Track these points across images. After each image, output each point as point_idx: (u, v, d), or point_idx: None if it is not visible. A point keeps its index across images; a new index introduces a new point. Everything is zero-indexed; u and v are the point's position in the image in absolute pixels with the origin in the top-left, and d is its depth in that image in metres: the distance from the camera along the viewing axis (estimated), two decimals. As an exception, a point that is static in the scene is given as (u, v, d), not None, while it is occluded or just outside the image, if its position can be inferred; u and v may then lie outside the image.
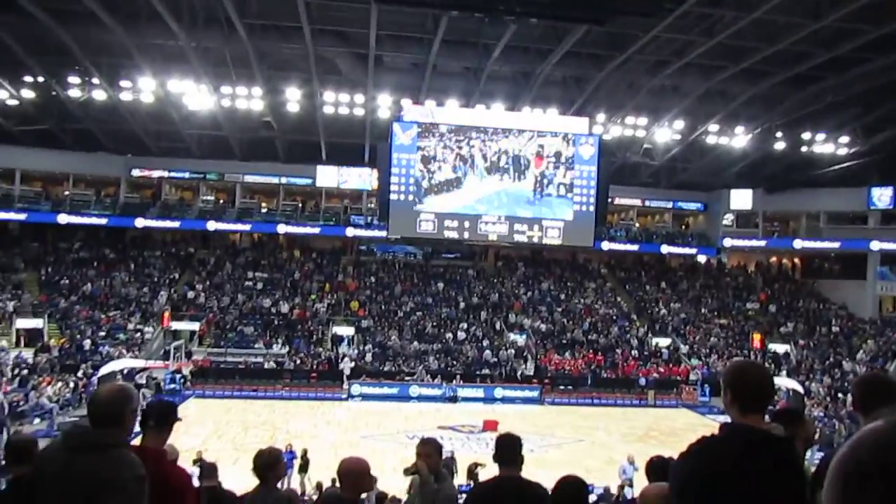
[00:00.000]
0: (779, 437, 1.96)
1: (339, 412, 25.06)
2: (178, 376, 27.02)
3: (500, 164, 30.71)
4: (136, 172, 35.78)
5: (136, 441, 3.13)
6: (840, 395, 26.66)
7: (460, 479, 14.67)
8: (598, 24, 21.13)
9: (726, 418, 2.14)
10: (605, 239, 36.51)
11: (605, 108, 29.98)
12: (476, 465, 14.44)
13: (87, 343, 28.06)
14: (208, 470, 5.44)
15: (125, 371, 24.97)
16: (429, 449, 3.99)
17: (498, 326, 33.48)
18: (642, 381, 29.85)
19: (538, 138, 30.55)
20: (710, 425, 21.06)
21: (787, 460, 1.93)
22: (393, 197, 30.19)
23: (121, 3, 22.27)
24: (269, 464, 4.20)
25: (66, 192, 35.35)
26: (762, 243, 39.24)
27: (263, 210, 37.64)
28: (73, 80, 26.85)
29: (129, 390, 2.79)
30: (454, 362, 30.48)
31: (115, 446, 2.54)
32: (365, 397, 27.48)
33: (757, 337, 32.75)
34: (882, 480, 0.75)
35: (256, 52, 24.82)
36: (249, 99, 27.73)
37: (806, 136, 30.78)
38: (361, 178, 36.03)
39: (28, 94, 27.61)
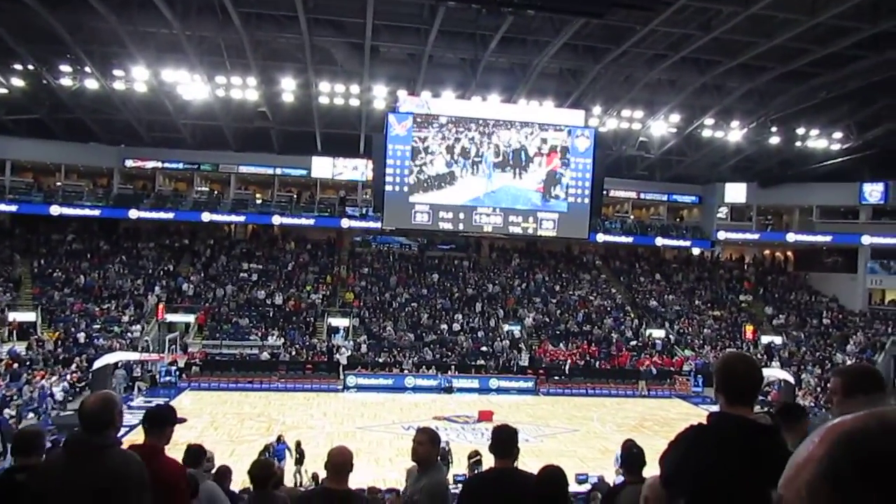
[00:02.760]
0: (765, 425, 2.07)
1: (335, 403, 25.20)
2: (173, 369, 27.07)
3: (500, 160, 30.66)
4: (129, 163, 35.68)
5: (131, 438, 3.39)
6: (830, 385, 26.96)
7: (456, 469, 14.87)
8: (596, 17, 21.18)
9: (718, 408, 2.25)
10: (599, 231, 36.65)
11: (601, 101, 30.07)
12: (476, 453, 14.72)
13: (82, 336, 28.06)
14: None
15: (120, 364, 24.98)
16: (422, 437, 4.06)
17: (493, 318, 33.64)
18: (654, 371, 30.25)
19: (541, 132, 30.55)
20: (702, 415, 21.15)
21: (772, 448, 2.04)
22: (388, 188, 30.18)
23: (112, -11, 22.15)
24: (268, 475, 4.46)
25: (59, 183, 35.21)
26: (755, 236, 39.50)
27: (258, 201, 37.62)
28: (65, 68, 26.68)
29: (112, 396, 3.10)
30: (449, 353, 30.66)
31: (112, 446, 2.88)
32: (360, 388, 27.66)
33: (749, 328, 33.05)
34: (866, 484, 0.71)
35: (251, 41, 24.75)
36: (244, 89, 27.68)
37: (800, 131, 30.98)
38: (356, 170, 36.04)
39: (18, 82, 27.41)
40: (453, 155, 30.37)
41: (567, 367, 30.24)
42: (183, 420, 3.79)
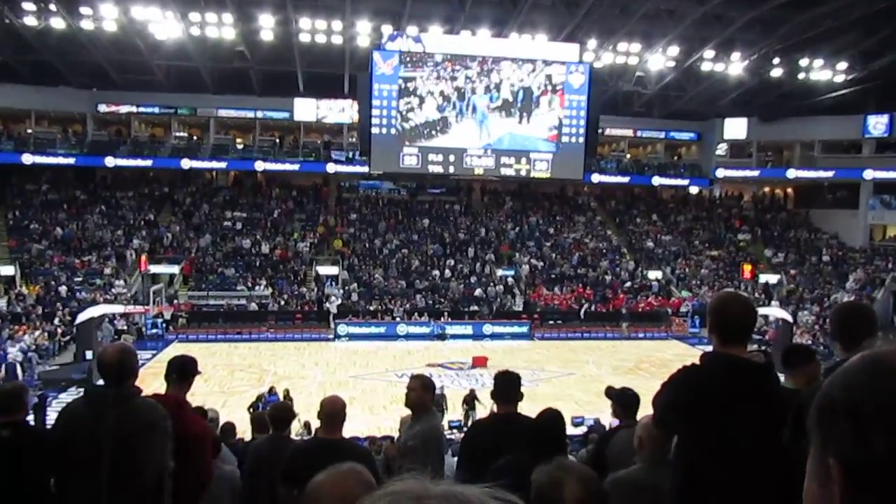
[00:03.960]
0: (757, 363, 2.12)
1: (327, 353, 25.56)
2: (159, 321, 27.25)
3: (501, 103, 30.21)
4: (102, 108, 34.95)
5: (159, 390, 3.51)
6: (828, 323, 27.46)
7: (451, 415, 15.24)
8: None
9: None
10: (595, 171, 36.55)
11: (596, 35, 29.48)
12: (472, 397, 15.09)
13: (63, 290, 28.07)
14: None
15: (106, 317, 25.08)
16: (414, 383, 4.13)
17: (486, 262, 33.81)
18: (684, 309, 30.89)
19: (545, 67, 30.04)
20: (698, 356, 21.78)
21: (764, 386, 2.10)
22: (374, 131, 29.87)
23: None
24: (288, 418, 4.65)
25: (29, 131, 34.55)
26: (755, 173, 39.53)
27: (239, 146, 37.14)
28: (28, 6, 25.73)
29: (130, 347, 3.27)
30: (442, 300, 30.94)
31: (135, 396, 3.00)
32: (352, 337, 28.02)
33: (747, 268, 33.37)
34: (847, 421, 0.79)
35: (225, -25, 23.99)
36: (220, 27, 26.95)
37: (803, 62, 30.59)
38: (342, 112, 35.49)
39: (-23, 24, 26.58)
40: (446, 98, 29.90)
41: (582, 312, 30.54)
42: (200, 372, 3.89)
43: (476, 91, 30.10)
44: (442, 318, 29.16)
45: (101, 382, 3.11)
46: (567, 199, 39.88)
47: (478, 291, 31.55)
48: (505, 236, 36.00)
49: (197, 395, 16.83)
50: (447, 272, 32.77)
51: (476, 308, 30.58)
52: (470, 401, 15.33)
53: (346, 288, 31.09)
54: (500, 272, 32.93)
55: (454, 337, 28.43)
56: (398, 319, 29.20)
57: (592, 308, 31.36)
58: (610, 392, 4.87)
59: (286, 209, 36.08)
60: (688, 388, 2.14)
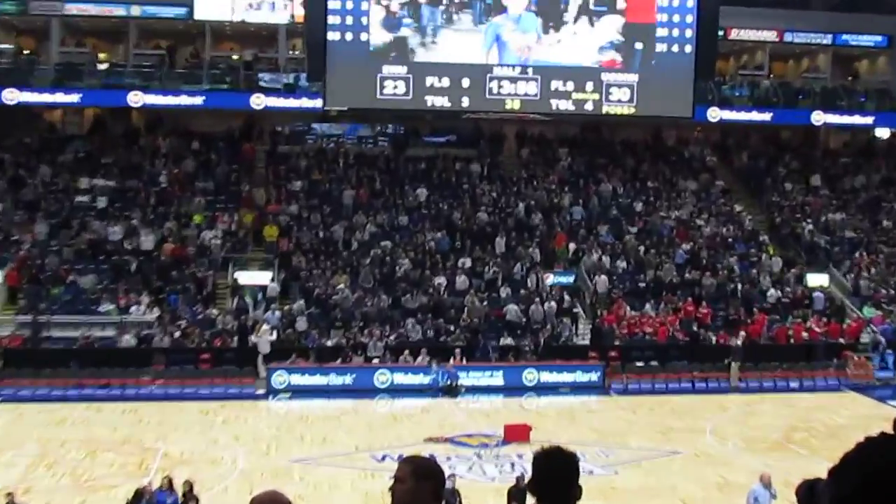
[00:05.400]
0: None
1: (254, 419, 25.60)
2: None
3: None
4: None
5: None
6: None
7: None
8: None
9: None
10: (713, 103, 36.40)
11: None
12: (522, 481, 15.02)
13: None
14: None
15: None
16: (404, 470, 4.10)
17: (528, 264, 33.78)
18: (867, 339, 30.84)
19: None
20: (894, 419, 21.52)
21: None
22: (332, 36, 29.84)
23: None
24: None
25: None
26: None
27: (102, 66, 37.22)
28: None
29: None
30: (450, 327, 30.94)
31: None
32: (297, 393, 28.09)
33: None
34: None
35: None
36: None
37: None
38: (275, 7, 35.55)
39: None
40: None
41: (740, 340, 30.38)
42: None
43: None
44: (452, 360, 29.17)
45: None
46: (665, 152, 39.84)
47: (512, 312, 31.54)
48: (560, 217, 35.98)
49: (37, 493, 16.93)
50: (460, 280, 32.76)
51: (510, 341, 30.57)
52: (520, 498, 15.28)
53: (287, 309, 31.14)
54: (551, 279, 32.92)
55: (473, 391, 28.46)
56: (376, 362, 29.25)
57: (712, 339, 31.30)
58: (802, 491, 4.79)
59: (182, 174, 36.16)
60: (872, 476, 2.14)
